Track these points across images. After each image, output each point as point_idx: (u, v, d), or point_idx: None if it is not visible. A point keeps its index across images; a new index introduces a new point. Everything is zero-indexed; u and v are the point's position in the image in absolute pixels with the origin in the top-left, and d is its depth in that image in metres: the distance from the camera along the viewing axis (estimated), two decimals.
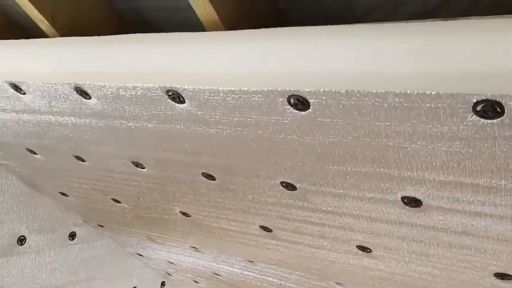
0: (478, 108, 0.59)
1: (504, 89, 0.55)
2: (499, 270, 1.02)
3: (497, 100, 0.56)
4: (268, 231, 1.37)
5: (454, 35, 0.58)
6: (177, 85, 0.80)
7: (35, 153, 1.48)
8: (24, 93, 1.06)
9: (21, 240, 1.89)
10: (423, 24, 0.63)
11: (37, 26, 1.00)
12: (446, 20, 0.62)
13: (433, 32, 0.60)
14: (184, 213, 1.55)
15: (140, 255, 2.40)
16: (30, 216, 1.91)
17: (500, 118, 0.59)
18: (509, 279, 1.04)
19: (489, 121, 0.61)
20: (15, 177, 1.83)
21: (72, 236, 2.09)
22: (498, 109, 0.58)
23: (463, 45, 0.57)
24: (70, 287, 2.12)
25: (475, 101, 0.58)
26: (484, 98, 0.57)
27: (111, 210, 1.82)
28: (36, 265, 1.97)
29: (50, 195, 1.93)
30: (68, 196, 1.87)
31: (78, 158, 1.37)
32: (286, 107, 0.73)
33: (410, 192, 0.86)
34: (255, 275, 1.95)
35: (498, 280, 1.06)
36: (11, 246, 1.87)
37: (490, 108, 0.58)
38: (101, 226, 2.15)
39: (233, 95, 0.76)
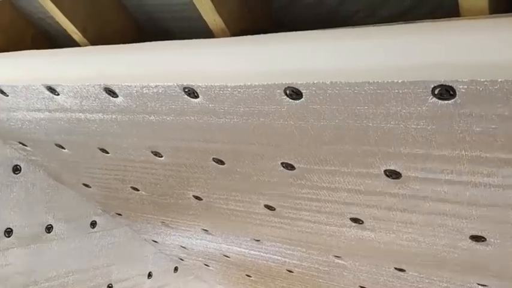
0: (436, 92, 0.71)
1: (453, 76, 0.68)
2: (473, 233, 1.11)
3: (450, 85, 0.69)
4: (272, 210, 1.46)
5: (415, 35, 0.71)
6: (192, 83, 0.93)
7: (63, 148, 1.59)
8: (58, 94, 1.18)
9: (49, 229, 2.04)
10: (390, 27, 0.76)
11: (67, 36, 1.12)
12: (408, 23, 0.76)
13: (398, 33, 0.73)
14: (196, 197, 1.63)
15: (155, 241, 2.49)
16: (56, 207, 2.06)
17: (454, 99, 0.72)
18: (483, 241, 1.13)
19: (445, 102, 0.73)
20: (43, 171, 1.97)
21: (93, 224, 2.22)
22: (451, 92, 0.70)
23: (421, 43, 0.70)
24: (92, 271, 2.25)
25: (432, 86, 0.71)
26: (439, 83, 0.70)
27: (129, 198, 1.92)
28: (63, 251, 2.11)
29: (74, 187, 2.05)
30: (90, 187, 1.98)
31: (103, 150, 1.48)
32: (283, 97, 0.86)
33: (391, 166, 0.97)
34: (262, 254, 2.03)
35: (474, 242, 1.15)
36: (40, 233, 2.02)
37: (445, 92, 0.71)
38: (119, 215, 2.25)
39: (239, 89, 0.89)
